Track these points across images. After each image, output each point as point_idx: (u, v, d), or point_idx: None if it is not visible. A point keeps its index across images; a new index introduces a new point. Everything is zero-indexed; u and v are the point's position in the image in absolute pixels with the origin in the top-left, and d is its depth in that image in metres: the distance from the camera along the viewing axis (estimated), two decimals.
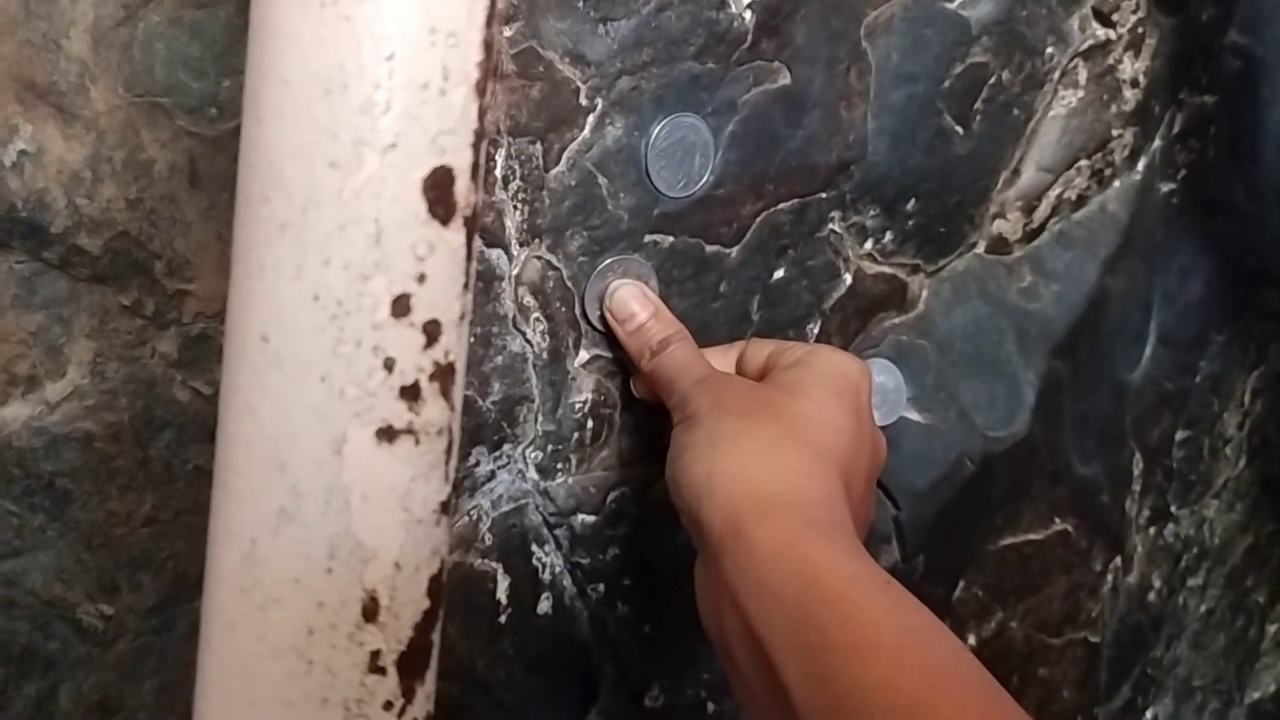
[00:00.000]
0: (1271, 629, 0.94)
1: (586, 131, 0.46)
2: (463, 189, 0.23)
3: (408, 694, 0.23)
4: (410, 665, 0.23)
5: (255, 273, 0.22)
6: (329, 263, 0.21)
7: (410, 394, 0.22)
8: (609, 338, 0.49)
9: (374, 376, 0.22)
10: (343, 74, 0.21)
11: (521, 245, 0.46)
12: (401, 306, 0.22)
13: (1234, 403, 0.77)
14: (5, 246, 0.36)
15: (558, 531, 0.51)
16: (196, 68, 0.37)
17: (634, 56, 0.46)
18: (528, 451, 0.49)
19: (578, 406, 0.50)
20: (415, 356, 0.22)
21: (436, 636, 0.24)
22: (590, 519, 0.51)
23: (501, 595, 0.50)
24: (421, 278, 0.22)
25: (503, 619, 0.50)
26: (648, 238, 0.49)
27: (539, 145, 0.45)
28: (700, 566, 0.41)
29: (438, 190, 0.22)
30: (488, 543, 0.49)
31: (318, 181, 0.21)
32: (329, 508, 0.22)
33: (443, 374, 0.23)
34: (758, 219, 0.52)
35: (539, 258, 0.47)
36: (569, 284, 0.48)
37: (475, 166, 0.23)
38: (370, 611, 0.22)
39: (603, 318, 0.48)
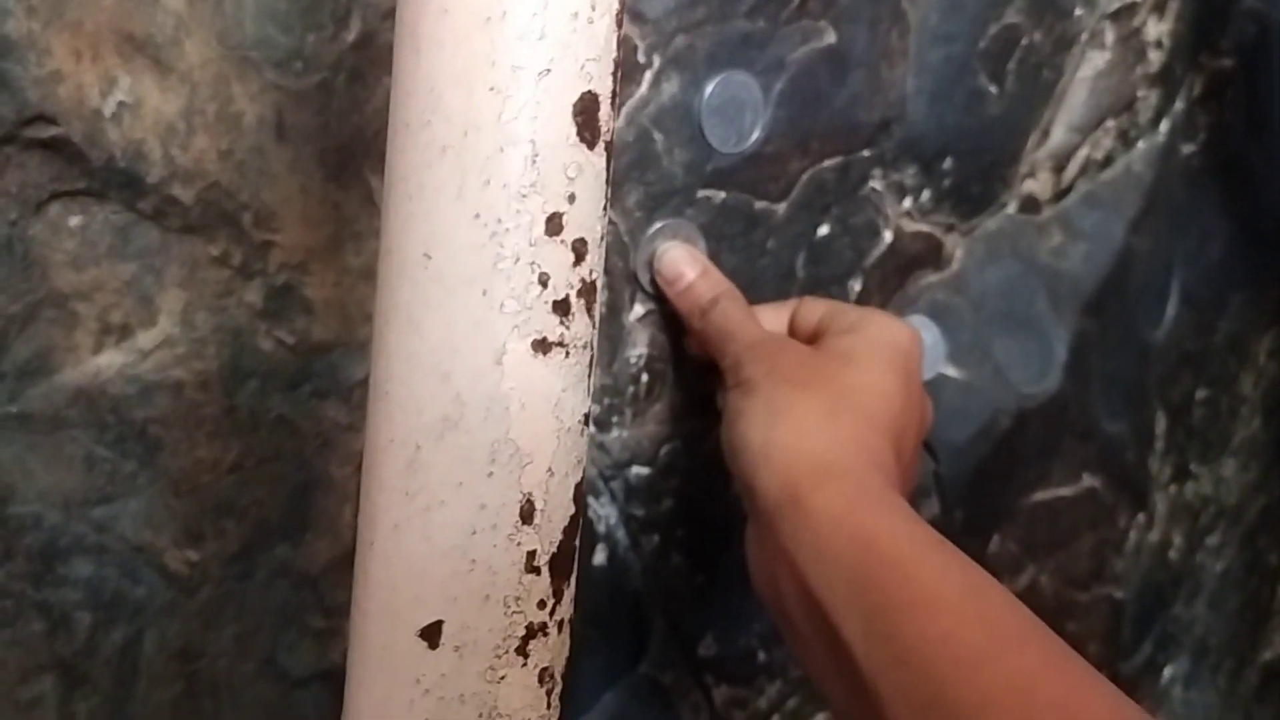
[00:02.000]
0: None
1: (644, 88, 0.47)
2: (605, 115, 0.24)
3: (558, 594, 0.24)
4: (560, 566, 0.24)
5: (415, 194, 0.23)
6: (489, 183, 0.23)
7: (561, 308, 0.24)
8: (662, 299, 0.50)
9: (530, 291, 0.23)
10: (501, 3, 0.22)
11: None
12: (555, 225, 0.23)
13: (1250, 363, 0.79)
14: (102, 197, 0.37)
15: (613, 484, 0.52)
16: (284, 22, 0.38)
17: (689, 14, 0.47)
18: None
19: (633, 360, 0.51)
20: (566, 273, 0.24)
21: (579, 542, 0.25)
22: (644, 471, 0.52)
23: None
24: (572, 198, 0.23)
25: None
26: (700, 193, 0.50)
27: None
28: (753, 531, 0.42)
29: (585, 115, 0.23)
30: None
31: (477, 106, 0.22)
32: (490, 415, 0.23)
33: (588, 291, 0.24)
34: (803, 176, 0.53)
35: None
36: (625, 239, 0.49)
37: (614, 94, 0.24)
38: (527, 514, 0.23)
39: (653, 280, 0.49)
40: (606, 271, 0.49)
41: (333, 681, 0.45)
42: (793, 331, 0.49)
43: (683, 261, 0.49)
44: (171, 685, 0.42)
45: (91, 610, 0.40)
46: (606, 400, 0.51)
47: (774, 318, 0.49)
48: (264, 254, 0.40)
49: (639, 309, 0.50)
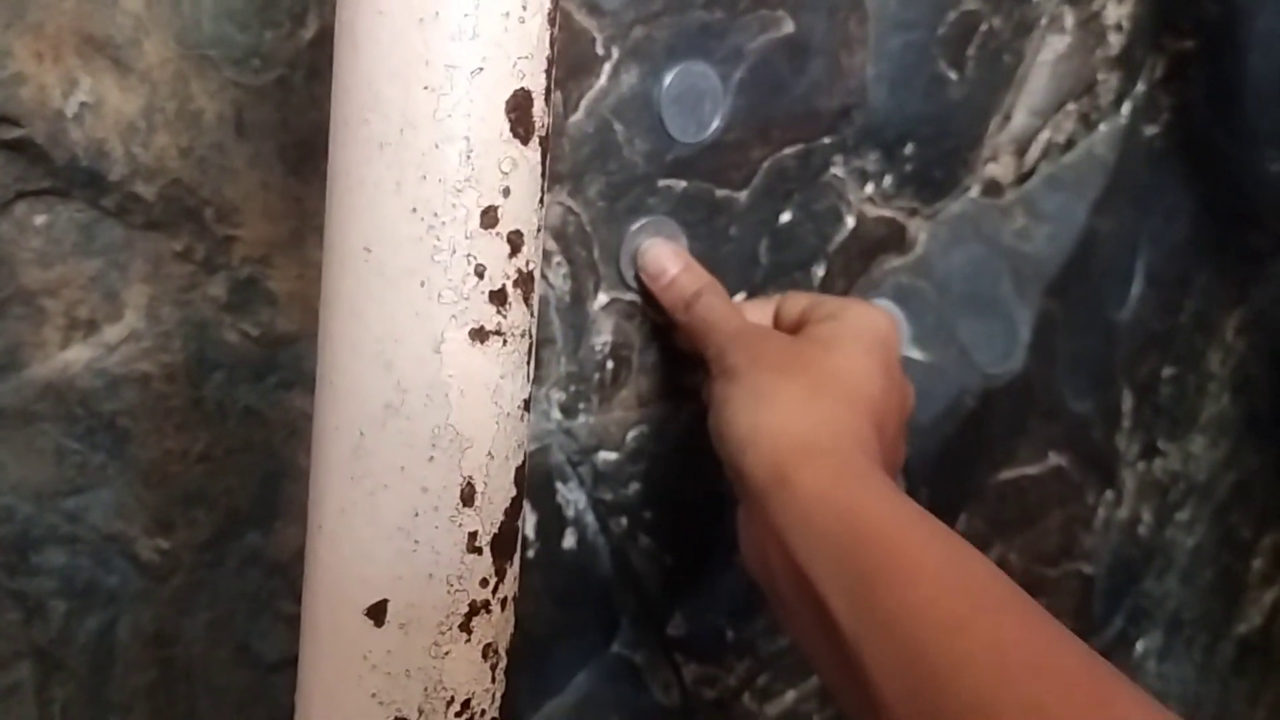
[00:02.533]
0: (1257, 564, 0.97)
1: (603, 80, 0.48)
2: (539, 110, 0.25)
3: (500, 573, 0.25)
4: (502, 547, 0.25)
5: (355, 189, 0.24)
6: (425, 178, 0.23)
7: (498, 298, 0.24)
8: (645, 295, 0.51)
9: (467, 282, 0.24)
10: (434, 3, 0.23)
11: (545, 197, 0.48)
12: (490, 218, 0.24)
13: (1217, 341, 0.80)
14: (66, 195, 0.37)
15: (580, 469, 0.53)
16: (241, 20, 0.38)
17: (647, 6, 0.48)
18: (551, 392, 0.51)
19: (598, 348, 0.52)
20: (502, 264, 0.25)
21: (520, 524, 0.26)
22: (611, 456, 0.53)
23: (529, 531, 0.52)
24: (506, 191, 0.24)
25: (530, 554, 0.52)
26: (662, 183, 0.51)
27: (558, 94, 0.47)
28: (743, 513, 0.43)
29: (518, 111, 0.24)
30: None
31: (413, 103, 0.23)
32: (430, 401, 0.24)
33: (524, 281, 0.25)
34: (765, 164, 0.54)
35: (559, 203, 0.49)
36: (588, 229, 0.50)
37: (548, 91, 0.25)
38: (468, 496, 0.24)
39: (637, 277, 0.51)
40: (570, 261, 0.50)
41: None
42: (777, 325, 0.51)
43: (666, 257, 0.50)
44: (146, 671, 0.43)
45: (66, 599, 0.41)
46: (573, 387, 0.52)
47: (758, 313, 0.51)
48: (227, 248, 0.40)
49: (603, 297, 0.51)
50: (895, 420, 0.46)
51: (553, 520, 0.53)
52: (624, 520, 0.54)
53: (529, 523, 0.52)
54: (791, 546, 0.39)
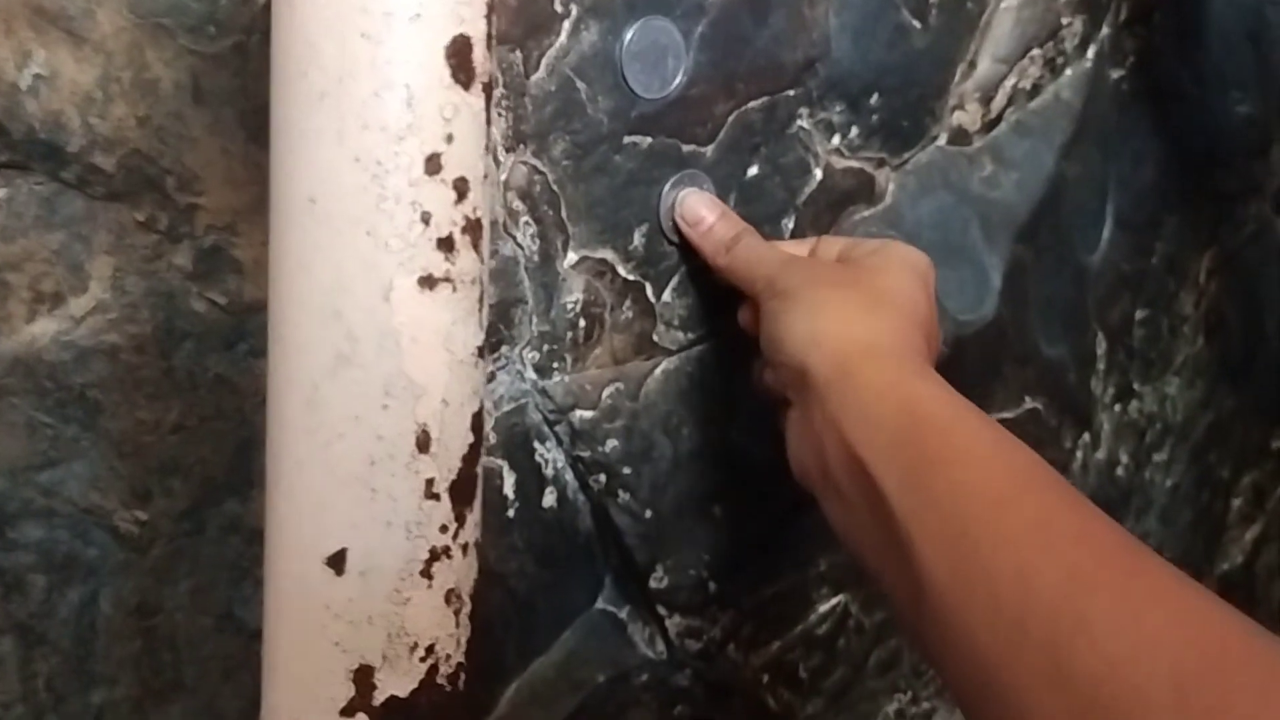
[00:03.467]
0: (1236, 502, 0.98)
1: (563, 37, 0.48)
2: (479, 56, 0.25)
3: (459, 519, 0.26)
4: (460, 493, 0.26)
5: (298, 141, 0.24)
6: (367, 127, 0.24)
7: (446, 245, 0.25)
8: (683, 247, 0.53)
9: (414, 229, 0.24)
10: None
11: (508, 151, 0.48)
12: (434, 165, 0.24)
13: (1189, 282, 0.81)
14: (25, 168, 0.37)
15: (558, 428, 0.53)
16: None
17: None
18: (524, 352, 0.51)
19: (569, 306, 0.52)
20: (448, 211, 0.25)
21: (480, 470, 0.26)
22: (588, 414, 0.54)
23: (509, 491, 0.53)
24: (449, 138, 0.25)
25: (511, 513, 0.53)
26: (627, 139, 0.51)
27: (519, 53, 0.47)
28: (798, 412, 0.46)
29: (458, 57, 0.24)
30: (492, 441, 0.51)
31: (351, 52, 0.23)
32: (382, 350, 0.24)
33: (472, 228, 0.26)
34: (730, 118, 0.54)
35: (524, 163, 0.49)
36: (555, 187, 0.50)
37: (489, 36, 0.25)
38: (423, 443, 0.25)
39: (675, 228, 0.53)
40: (537, 220, 0.50)
41: None
42: None
43: (702, 206, 0.53)
44: (130, 642, 0.44)
45: (45, 572, 0.41)
46: (546, 347, 0.52)
47: (795, 249, 0.53)
48: (190, 217, 0.40)
49: (572, 256, 0.51)
50: (936, 344, 0.48)
51: (532, 479, 0.53)
52: (603, 477, 0.55)
53: (508, 483, 0.53)
54: (850, 434, 0.41)
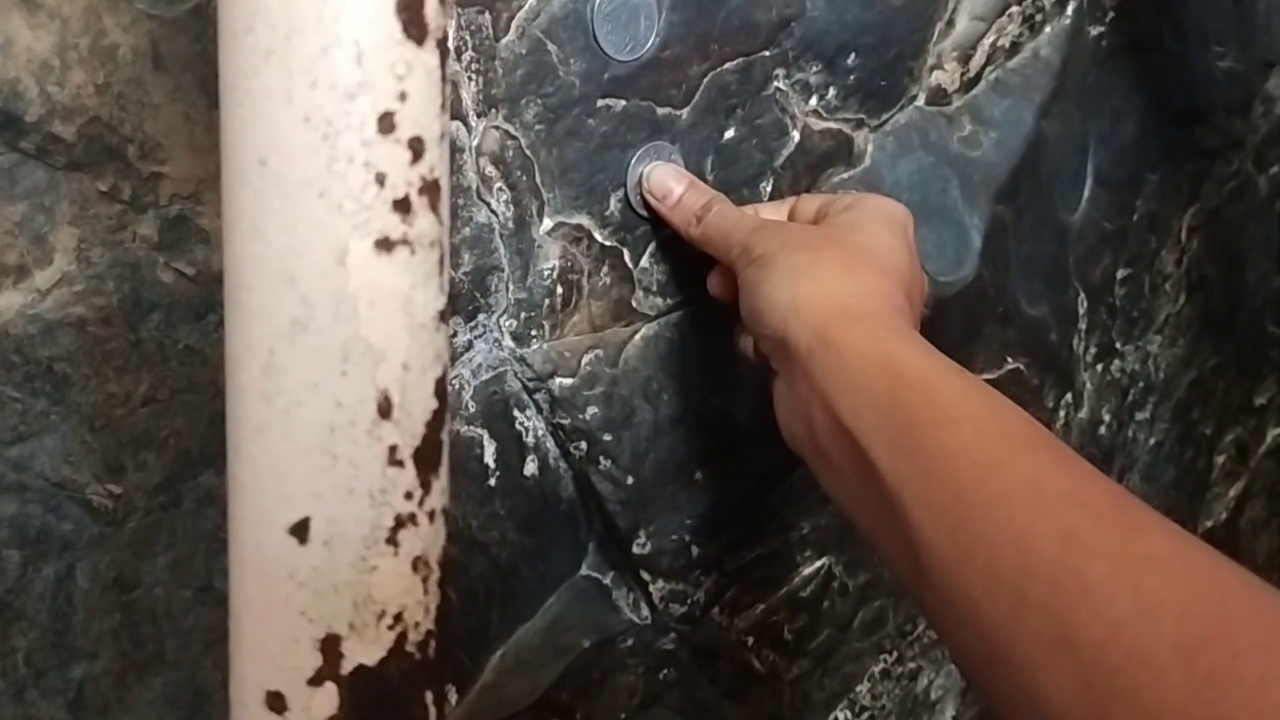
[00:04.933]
0: (1220, 459, 0.99)
1: None
2: (432, 11, 0.24)
3: (425, 486, 0.25)
4: (425, 459, 0.25)
5: (246, 100, 0.24)
6: (316, 84, 0.23)
7: (402, 207, 0.24)
8: (655, 218, 0.52)
9: (368, 191, 0.24)
10: None
11: (479, 116, 0.47)
12: (387, 124, 0.24)
13: (1171, 240, 0.81)
14: None
15: (537, 396, 0.53)
16: None
17: None
18: (502, 320, 0.51)
19: (546, 273, 0.52)
20: (404, 171, 0.24)
21: (446, 436, 0.26)
22: (567, 382, 0.53)
23: (489, 460, 0.52)
24: (403, 96, 0.24)
25: (492, 482, 0.53)
26: (600, 102, 0.50)
27: (488, 15, 0.46)
28: (783, 383, 0.45)
29: (410, 12, 0.24)
30: (471, 410, 0.51)
31: (298, 8, 0.23)
32: (339, 315, 0.24)
33: (430, 189, 0.25)
34: (705, 80, 0.53)
35: (497, 128, 0.48)
36: (528, 153, 0.49)
37: None
38: (385, 409, 0.24)
39: (643, 201, 0.52)
40: (511, 187, 0.50)
41: None
42: (792, 221, 0.53)
43: (670, 178, 0.52)
44: (109, 616, 0.44)
45: (19, 548, 0.41)
46: (524, 314, 0.52)
47: (772, 213, 0.53)
48: (154, 186, 0.40)
49: (548, 222, 0.51)
50: (919, 298, 0.48)
51: (512, 448, 0.53)
52: (584, 444, 0.54)
53: (488, 451, 0.52)
54: (835, 404, 0.40)
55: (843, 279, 0.44)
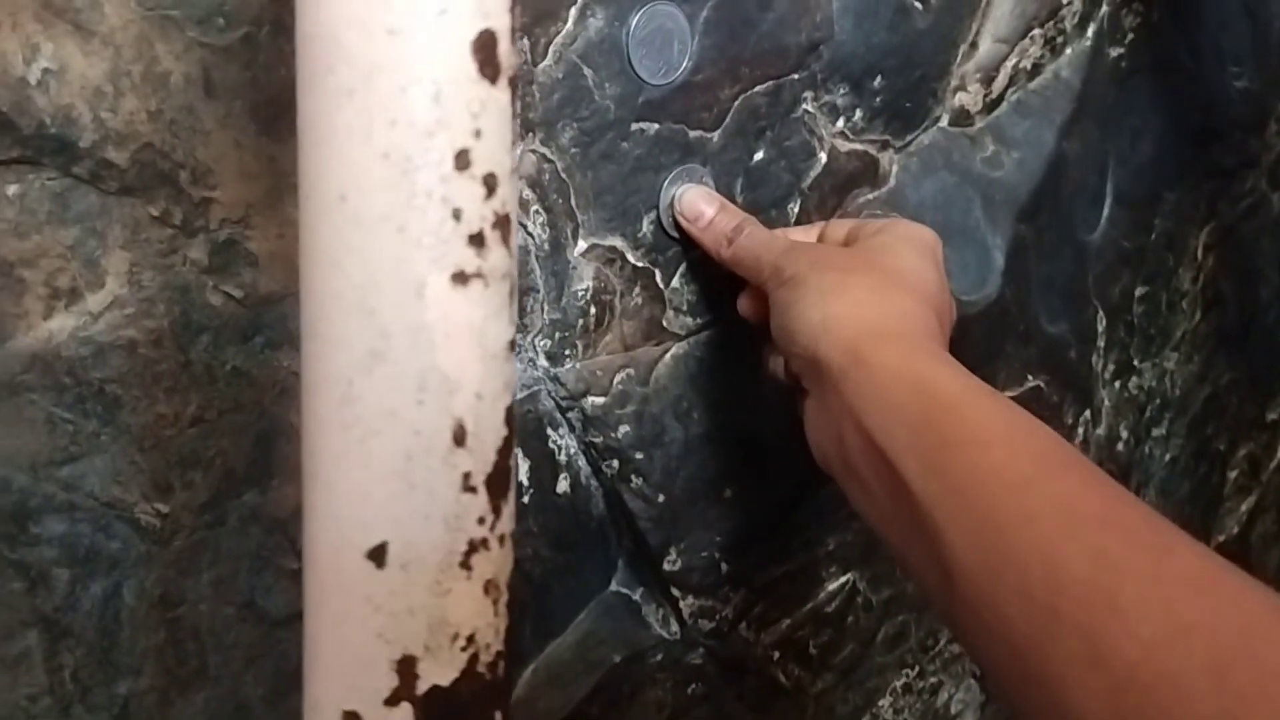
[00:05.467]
0: (1232, 474, 0.99)
1: (569, 24, 0.48)
2: (505, 50, 0.25)
3: (496, 511, 0.26)
4: (496, 485, 0.26)
5: (326, 138, 0.24)
6: (395, 123, 0.24)
7: (476, 241, 0.25)
8: (682, 243, 0.53)
9: (445, 225, 0.24)
10: None
11: (517, 140, 0.48)
12: (463, 160, 0.24)
13: (1187, 258, 0.81)
14: (36, 164, 0.37)
15: (570, 415, 0.54)
16: None
17: None
18: (537, 340, 0.52)
19: (580, 294, 0.52)
20: (478, 206, 0.25)
21: (514, 462, 0.27)
22: (599, 400, 0.54)
23: (523, 477, 0.53)
24: (478, 133, 0.25)
25: (525, 500, 0.53)
26: (634, 126, 0.51)
27: (525, 40, 0.47)
28: (814, 402, 0.46)
29: (484, 52, 0.24)
30: None
31: (378, 48, 0.23)
32: (416, 346, 0.24)
33: (502, 223, 0.26)
34: (736, 102, 0.54)
35: (533, 151, 0.49)
36: (564, 175, 0.50)
37: (513, 30, 0.25)
38: (459, 437, 0.25)
39: (675, 223, 0.53)
40: (547, 209, 0.50)
41: None
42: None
43: (701, 200, 0.52)
44: (154, 633, 0.44)
45: (69, 566, 0.42)
46: (558, 335, 0.52)
47: (802, 236, 0.54)
48: (204, 211, 0.41)
49: (582, 244, 0.51)
50: (948, 319, 0.48)
51: (545, 466, 0.54)
52: (615, 462, 0.55)
53: (522, 469, 0.53)
54: (867, 422, 0.41)
55: (874, 299, 0.45)
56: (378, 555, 0.25)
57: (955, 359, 0.43)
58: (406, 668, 0.25)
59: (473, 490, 0.25)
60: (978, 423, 0.39)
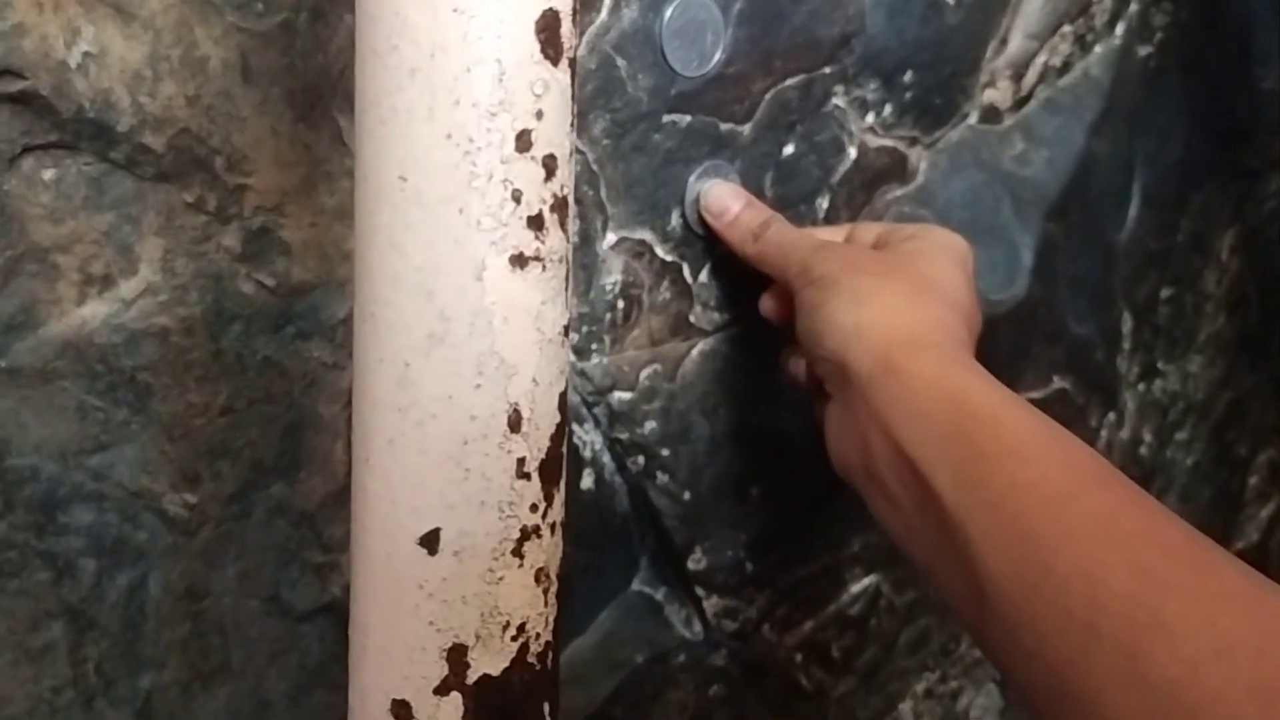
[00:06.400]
0: (1253, 480, 0.99)
1: (604, 15, 0.47)
2: (566, 31, 0.25)
3: (549, 498, 0.26)
4: (549, 472, 0.26)
5: (388, 118, 0.24)
6: (459, 103, 0.23)
7: (536, 223, 0.24)
8: (708, 239, 0.53)
9: (505, 207, 0.24)
10: None
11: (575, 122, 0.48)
12: (524, 141, 0.24)
13: (1213, 260, 0.81)
14: (74, 148, 0.37)
15: (596, 410, 0.53)
16: None
17: None
18: None
19: (608, 288, 0.52)
20: (538, 188, 0.24)
21: (566, 449, 0.26)
22: (626, 396, 0.53)
23: None
24: (539, 114, 0.24)
25: None
26: (666, 118, 0.51)
27: None
28: (839, 407, 0.45)
29: (548, 32, 0.24)
30: None
31: (443, 27, 0.23)
32: (474, 329, 0.24)
33: (560, 206, 0.25)
34: (767, 96, 0.54)
35: None
36: (594, 167, 0.49)
37: (575, 11, 0.25)
38: (515, 422, 0.25)
39: (701, 220, 0.52)
40: (578, 201, 0.50)
41: (334, 614, 0.47)
42: None
43: (727, 196, 0.52)
44: (179, 625, 0.44)
45: (95, 557, 0.41)
46: (585, 328, 0.52)
47: (831, 236, 0.53)
48: (239, 198, 0.40)
49: (611, 237, 0.51)
50: (976, 330, 0.48)
51: (570, 461, 0.53)
52: (640, 459, 0.54)
53: None
54: (897, 431, 0.40)
55: (908, 307, 0.44)
56: (430, 541, 0.24)
57: (986, 370, 0.42)
58: (457, 656, 0.24)
59: (526, 477, 0.25)
60: (1014, 436, 0.38)
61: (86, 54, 0.36)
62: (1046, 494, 0.35)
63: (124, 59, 0.37)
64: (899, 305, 0.44)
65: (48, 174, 0.37)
